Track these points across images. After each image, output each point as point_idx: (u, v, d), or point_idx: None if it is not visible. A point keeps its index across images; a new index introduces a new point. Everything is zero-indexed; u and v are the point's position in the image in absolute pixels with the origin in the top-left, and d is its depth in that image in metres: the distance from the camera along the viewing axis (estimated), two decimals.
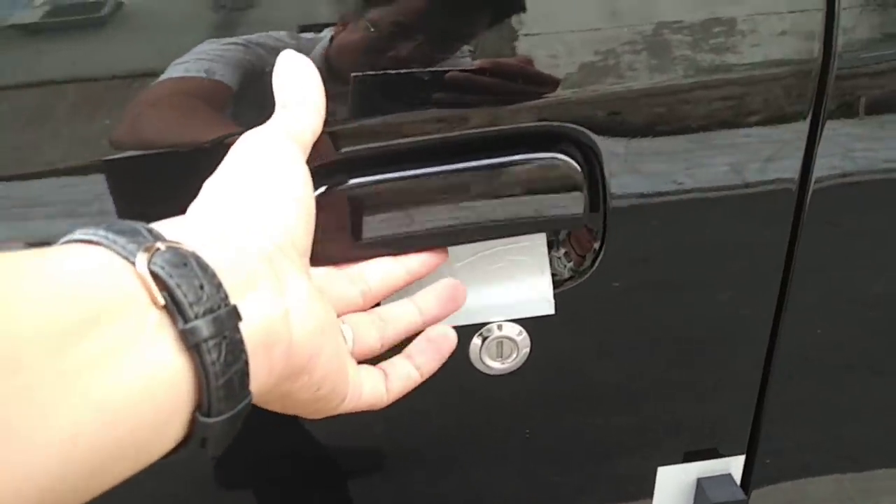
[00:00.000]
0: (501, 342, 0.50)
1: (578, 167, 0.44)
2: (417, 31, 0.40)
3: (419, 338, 0.43)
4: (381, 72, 0.40)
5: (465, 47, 0.40)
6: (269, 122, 0.37)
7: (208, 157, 0.36)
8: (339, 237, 0.43)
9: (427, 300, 0.44)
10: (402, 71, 0.40)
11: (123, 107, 0.39)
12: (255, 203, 0.34)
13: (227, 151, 0.36)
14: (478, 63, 0.40)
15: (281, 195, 0.35)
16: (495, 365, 0.51)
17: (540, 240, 0.48)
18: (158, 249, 0.27)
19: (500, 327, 0.50)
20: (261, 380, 0.30)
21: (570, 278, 0.49)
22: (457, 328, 0.43)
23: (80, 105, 0.39)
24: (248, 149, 0.36)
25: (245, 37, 0.39)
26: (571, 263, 0.50)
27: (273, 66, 0.38)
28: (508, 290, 0.48)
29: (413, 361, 0.42)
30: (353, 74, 0.40)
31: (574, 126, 0.43)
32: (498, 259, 0.48)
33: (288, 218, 0.35)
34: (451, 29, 0.40)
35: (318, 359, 0.34)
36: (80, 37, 0.38)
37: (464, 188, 0.43)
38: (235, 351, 0.28)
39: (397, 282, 0.43)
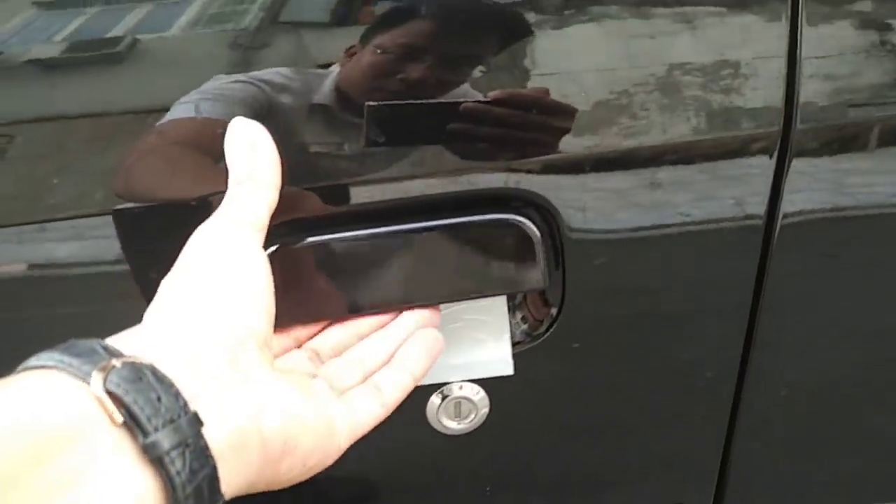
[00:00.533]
0: (460, 402, 0.49)
1: (536, 229, 0.43)
2: (426, 54, 0.39)
3: (408, 345, 0.42)
4: (397, 101, 0.39)
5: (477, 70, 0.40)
6: (222, 208, 0.36)
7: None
8: (291, 298, 0.42)
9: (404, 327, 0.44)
10: (416, 102, 0.39)
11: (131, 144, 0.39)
12: (212, 302, 0.34)
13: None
14: (493, 94, 0.40)
15: (238, 290, 0.35)
16: (452, 425, 0.50)
17: (500, 300, 0.47)
18: (114, 367, 0.27)
19: (460, 387, 0.49)
20: (237, 479, 0.30)
21: (520, 342, 0.49)
22: (415, 388, 0.42)
23: (93, 140, 0.39)
24: (203, 244, 0.36)
25: (251, 73, 0.38)
26: (526, 327, 0.49)
27: (279, 103, 0.38)
28: (467, 350, 0.48)
29: (405, 366, 0.41)
30: (367, 104, 0.39)
31: (530, 189, 0.43)
32: (457, 318, 0.47)
33: (246, 313, 0.34)
34: (457, 53, 0.40)
35: (297, 440, 0.34)
36: (96, 72, 0.39)
37: (418, 249, 0.43)
38: (201, 457, 0.28)
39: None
